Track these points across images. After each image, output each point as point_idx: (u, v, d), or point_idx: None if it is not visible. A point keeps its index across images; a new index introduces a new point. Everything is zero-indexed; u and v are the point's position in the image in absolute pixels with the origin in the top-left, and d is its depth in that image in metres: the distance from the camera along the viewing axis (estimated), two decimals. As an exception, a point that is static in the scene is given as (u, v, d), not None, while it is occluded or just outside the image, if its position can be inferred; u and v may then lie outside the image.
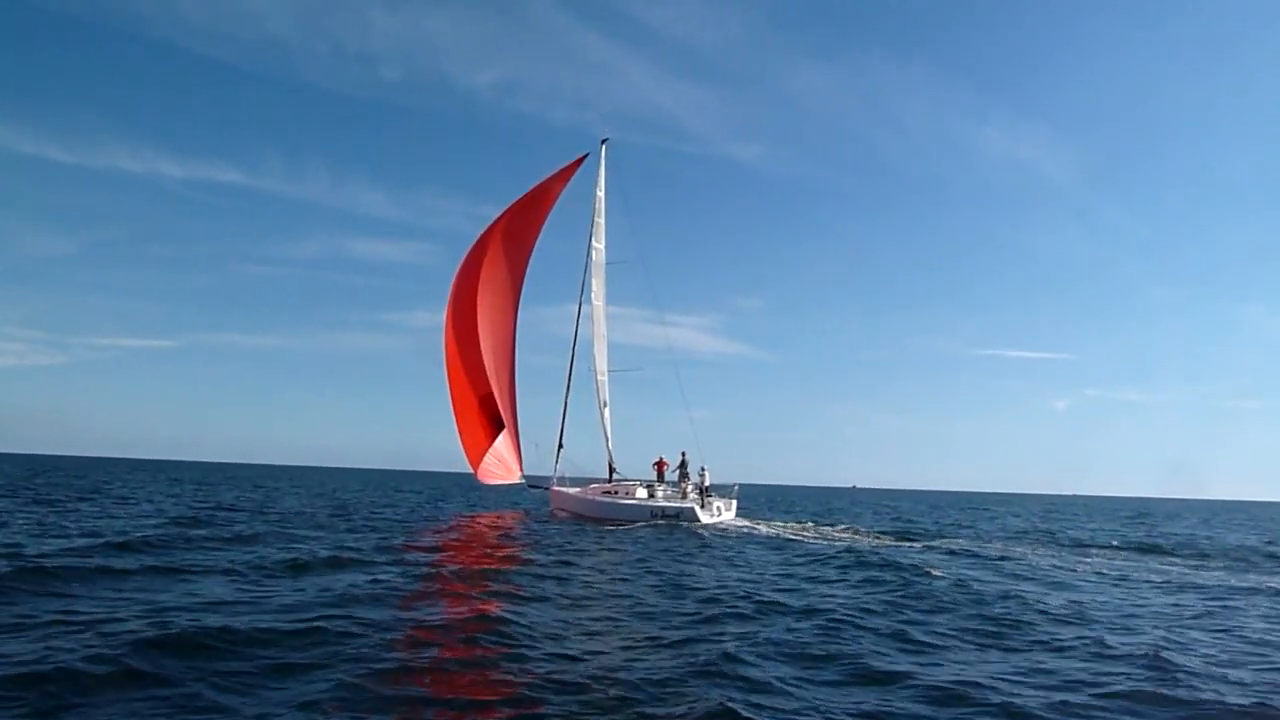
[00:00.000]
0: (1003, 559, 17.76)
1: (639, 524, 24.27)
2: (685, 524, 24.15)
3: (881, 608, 10.08)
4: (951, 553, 18.96)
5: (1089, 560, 18.93)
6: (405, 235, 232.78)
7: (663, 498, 26.96)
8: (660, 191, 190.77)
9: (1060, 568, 16.35)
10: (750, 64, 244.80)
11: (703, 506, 25.76)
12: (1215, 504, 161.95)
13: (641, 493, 27.15)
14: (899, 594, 11.28)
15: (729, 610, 9.45)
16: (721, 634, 8.10)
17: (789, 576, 13.27)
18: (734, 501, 28.55)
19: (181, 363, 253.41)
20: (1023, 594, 11.96)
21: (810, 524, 28.24)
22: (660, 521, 24.61)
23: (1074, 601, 11.41)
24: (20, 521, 16.65)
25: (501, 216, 28.95)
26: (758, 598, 10.46)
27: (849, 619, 9.14)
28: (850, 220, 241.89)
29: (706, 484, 27.32)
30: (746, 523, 26.51)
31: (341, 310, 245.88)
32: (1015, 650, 8.04)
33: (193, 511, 21.84)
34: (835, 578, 13.22)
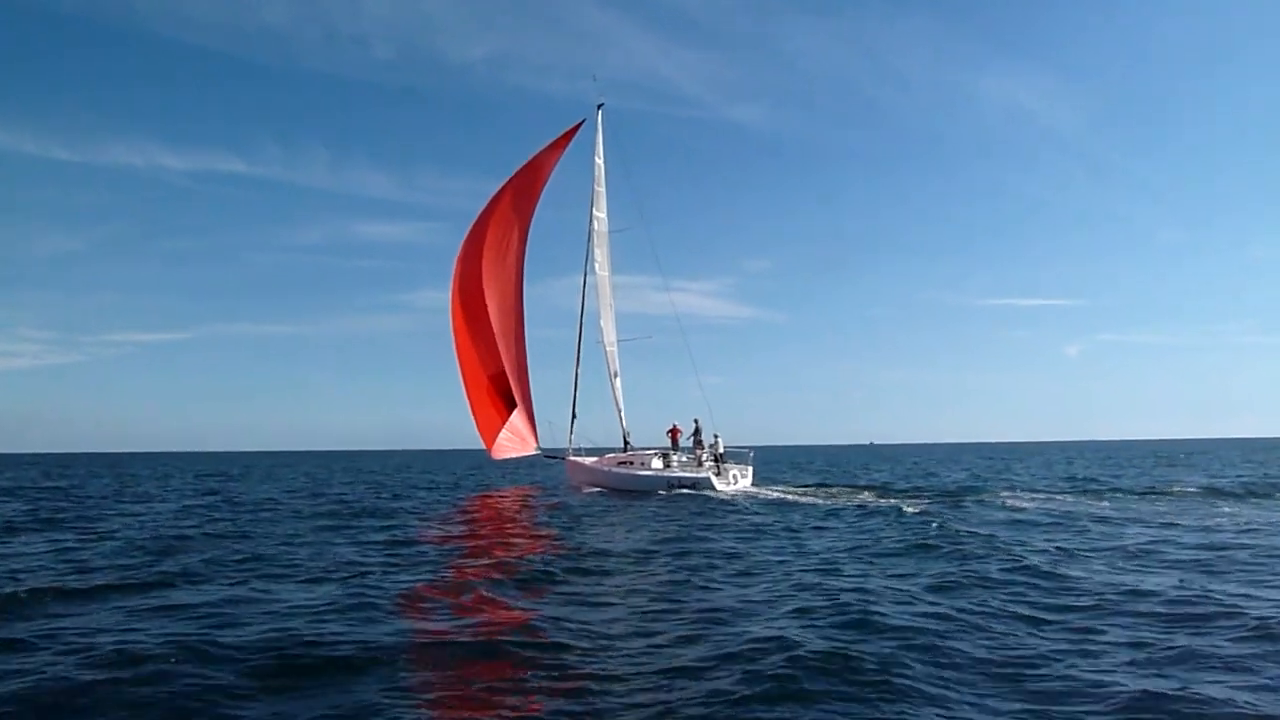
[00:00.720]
0: (1071, 515, 16.49)
1: (657, 494, 24.17)
2: (703, 492, 24.01)
3: (1001, 594, 8.30)
4: (1015, 509, 17.81)
5: (1224, 510, 17.36)
6: (409, 215, 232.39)
7: (678, 466, 26.75)
8: (662, 158, 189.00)
9: (1180, 523, 14.33)
10: (746, 24, 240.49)
11: (718, 474, 25.58)
12: (1247, 442, 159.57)
13: (657, 462, 26.94)
14: (1005, 569, 9.69)
15: (820, 604, 7.85)
16: (824, 636, 6.55)
17: (857, 551, 11.72)
18: (750, 468, 28.31)
19: (196, 355, 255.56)
20: (1148, 558, 10.56)
21: (841, 487, 27.41)
22: (677, 491, 24.49)
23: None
24: (67, 528, 16.06)
25: (499, 191, 28.58)
26: (841, 585, 8.87)
27: (976, 609, 7.51)
28: (854, 177, 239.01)
29: (720, 450, 27.16)
30: (767, 490, 26.26)
31: (351, 294, 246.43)
32: (1198, 632, 6.62)
33: (234, 511, 20.34)
34: (909, 550, 11.58)
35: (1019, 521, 15.65)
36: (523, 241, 29.15)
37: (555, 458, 29.91)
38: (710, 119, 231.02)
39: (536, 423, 28.97)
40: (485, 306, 27.77)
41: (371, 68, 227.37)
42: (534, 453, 29.23)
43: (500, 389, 28.20)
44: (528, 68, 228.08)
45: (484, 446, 28.33)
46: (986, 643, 6.43)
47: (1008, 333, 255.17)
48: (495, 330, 27.87)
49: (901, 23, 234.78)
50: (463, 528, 16.68)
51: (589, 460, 28.32)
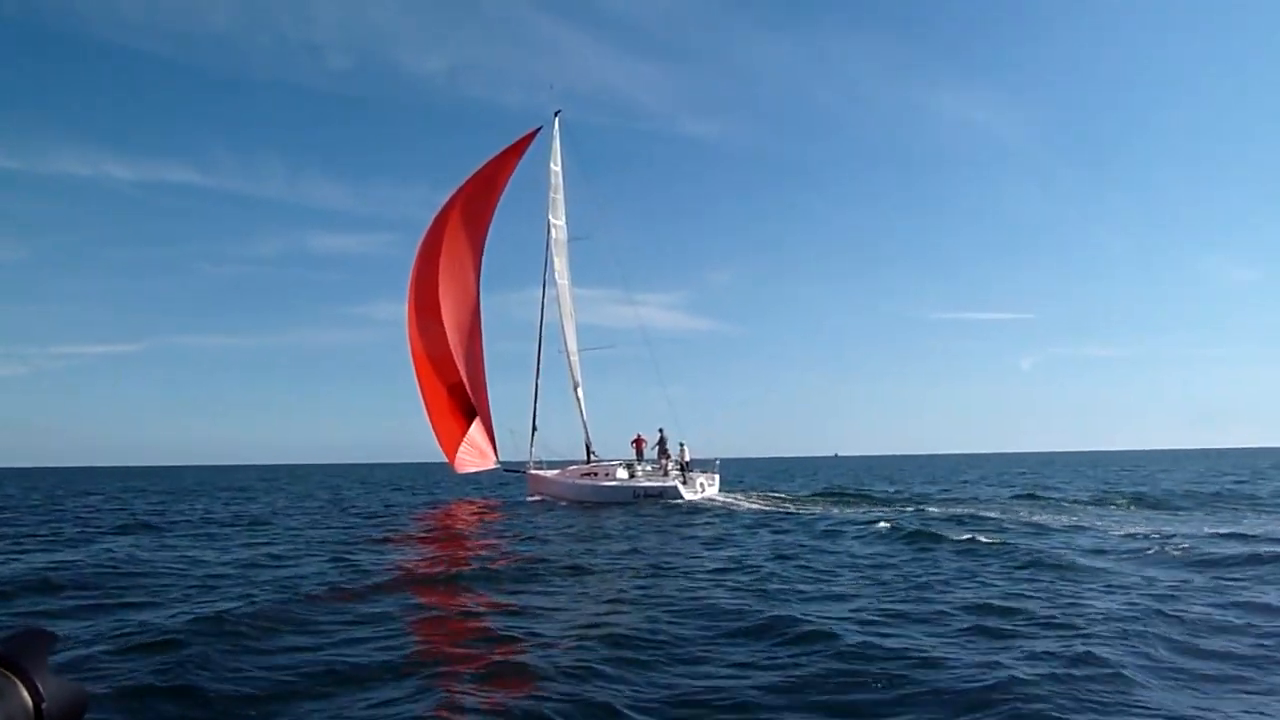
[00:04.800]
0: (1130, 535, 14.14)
1: (624, 505, 23.59)
2: (669, 502, 23.52)
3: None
4: (1033, 527, 16.11)
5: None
6: (365, 227, 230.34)
7: (643, 476, 26.34)
8: (619, 170, 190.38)
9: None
10: (701, 38, 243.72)
11: (684, 483, 25.17)
12: (1227, 452, 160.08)
13: (622, 473, 26.50)
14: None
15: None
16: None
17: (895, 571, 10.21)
18: (716, 475, 28.00)
19: (146, 367, 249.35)
20: None
21: (822, 496, 27.32)
22: (644, 501, 23.97)
23: None
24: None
25: (453, 199, 28.10)
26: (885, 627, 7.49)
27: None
28: (812, 190, 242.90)
29: (686, 459, 26.77)
30: (735, 497, 25.88)
31: (307, 306, 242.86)
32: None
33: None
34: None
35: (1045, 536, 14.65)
36: (479, 250, 28.59)
37: (515, 471, 29.28)
38: (667, 132, 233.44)
39: (496, 435, 28.37)
40: (442, 318, 27.16)
41: (328, 78, 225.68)
42: (494, 467, 28.60)
43: (459, 401, 27.65)
44: (484, 80, 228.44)
45: (446, 460, 27.69)
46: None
47: (962, 345, 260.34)
48: (452, 342, 27.32)
49: (856, 38, 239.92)
50: (428, 549, 15.57)
51: (551, 473, 27.71)
